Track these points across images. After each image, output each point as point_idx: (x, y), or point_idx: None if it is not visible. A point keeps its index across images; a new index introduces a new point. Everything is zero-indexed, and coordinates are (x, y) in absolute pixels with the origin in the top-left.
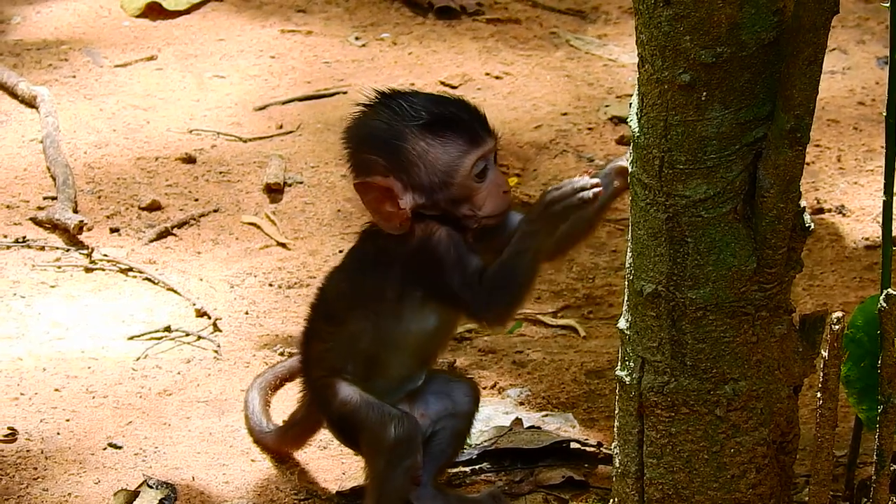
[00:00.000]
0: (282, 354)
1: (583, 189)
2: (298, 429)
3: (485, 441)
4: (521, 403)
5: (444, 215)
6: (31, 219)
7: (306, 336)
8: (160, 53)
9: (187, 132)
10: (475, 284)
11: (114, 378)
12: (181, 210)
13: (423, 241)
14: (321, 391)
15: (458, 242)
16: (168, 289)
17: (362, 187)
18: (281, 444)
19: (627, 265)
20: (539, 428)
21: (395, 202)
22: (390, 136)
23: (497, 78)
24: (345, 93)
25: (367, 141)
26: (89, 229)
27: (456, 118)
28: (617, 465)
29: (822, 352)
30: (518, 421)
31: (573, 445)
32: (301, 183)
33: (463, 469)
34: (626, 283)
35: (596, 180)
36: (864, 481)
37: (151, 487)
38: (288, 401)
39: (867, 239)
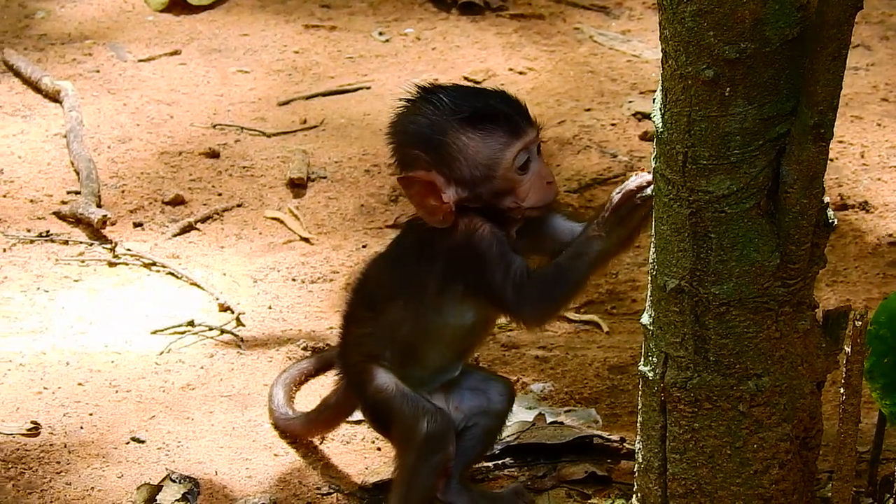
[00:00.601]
0: (305, 349)
1: (641, 187)
2: (331, 412)
3: (508, 436)
4: (544, 399)
5: (487, 208)
6: (54, 213)
7: (346, 320)
8: (184, 48)
9: (211, 127)
10: (516, 282)
11: (137, 372)
12: (205, 205)
13: (467, 237)
14: (357, 376)
15: (501, 239)
16: (191, 283)
17: (406, 181)
18: (310, 427)
19: (650, 260)
20: (562, 423)
21: (438, 196)
22: (431, 131)
23: (520, 73)
24: (368, 88)
25: (409, 136)
26: (113, 224)
27: (496, 111)
28: (640, 460)
29: (846, 348)
30: (541, 416)
31: (596, 441)
32: (324, 178)
33: (486, 464)
34: (650, 278)
35: (648, 175)
36: (887, 477)
37: (174, 482)
38: (311, 396)
39: (891, 235)
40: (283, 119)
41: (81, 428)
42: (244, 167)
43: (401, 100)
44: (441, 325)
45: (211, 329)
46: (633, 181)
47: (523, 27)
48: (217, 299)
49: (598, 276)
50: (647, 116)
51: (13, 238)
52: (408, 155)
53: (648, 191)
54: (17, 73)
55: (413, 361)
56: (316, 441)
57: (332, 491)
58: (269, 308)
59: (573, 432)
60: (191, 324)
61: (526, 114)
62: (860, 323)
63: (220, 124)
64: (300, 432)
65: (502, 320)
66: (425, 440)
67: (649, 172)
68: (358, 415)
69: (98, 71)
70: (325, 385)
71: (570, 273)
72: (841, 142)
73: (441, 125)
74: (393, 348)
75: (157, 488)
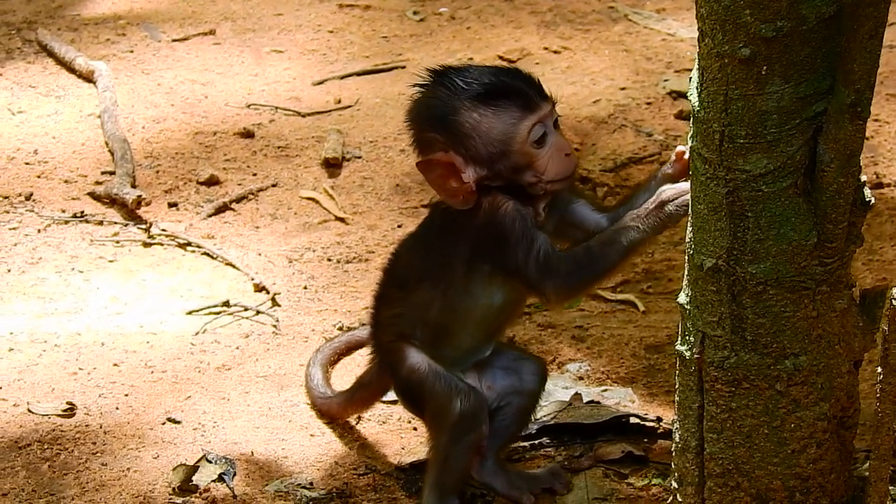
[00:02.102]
0: (340, 329)
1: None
2: (365, 391)
3: (544, 416)
4: (581, 378)
5: (509, 185)
6: (89, 193)
7: (377, 300)
8: (218, 28)
9: (245, 107)
10: (539, 259)
11: (172, 353)
12: (239, 185)
13: (490, 215)
14: (390, 355)
15: (524, 216)
16: (226, 263)
17: (425, 165)
18: (347, 407)
19: (687, 240)
20: (598, 403)
21: (458, 177)
22: (445, 112)
23: (555, 52)
24: (403, 67)
25: (424, 120)
26: (147, 204)
27: (508, 86)
28: (677, 440)
29: (883, 326)
30: (577, 396)
31: (633, 420)
32: (359, 157)
33: (523, 444)
34: (686, 257)
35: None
36: None
37: (210, 462)
38: (346, 375)
39: None
40: (317, 99)
41: (117, 409)
42: (279, 147)
43: (414, 85)
44: (470, 305)
45: (246, 309)
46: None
47: (558, 6)
48: (252, 279)
49: (627, 265)
50: (682, 95)
51: (48, 219)
52: (425, 139)
53: None
54: (51, 54)
55: (443, 341)
56: (352, 421)
57: (368, 471)
58: (305, 288)
59: (610, 412)
60: (226, 304)
61: (539, 88)
62: None
63: (255, 104)
64: (338, 411)
65: (534, 300)
66: (459, 419)
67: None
68: (392, 395)
69: (132, 51)
70: (356, 363)
71: (600, 258)
72: (877, 120)
73: (454, 105)
74: (423, 329)
75: (194, 469)
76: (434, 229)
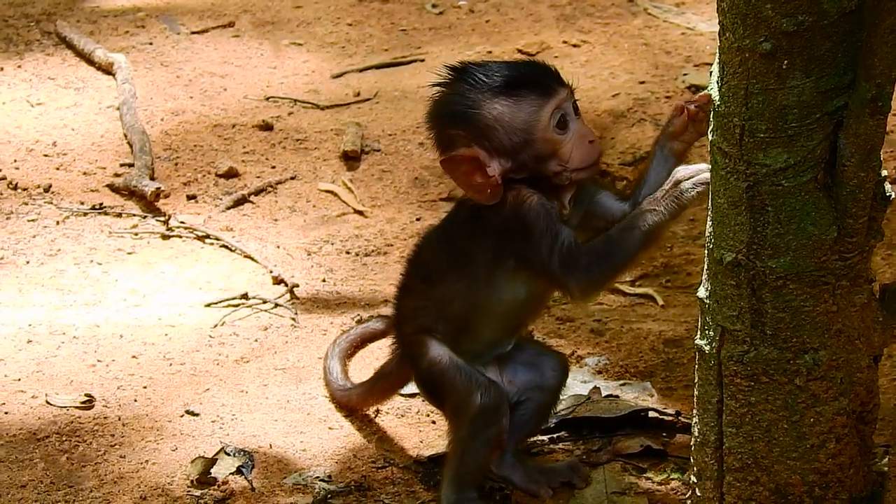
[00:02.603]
0: (359, 322)
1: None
2: (385, 382)
3: (563, 410)
4: (599, 372)
5: (534, 177)
6: (107, 186)
7: (401, 292)
8: (237, 20)
9: (264, 99)
10: (563, 253)
11: (191, 345)
12: (258, 177)
13: (515, 209)
14: (412, 348)
15: (549, 211)
16: (245, 256)
17: (449, 163)
18: (367, 398)
19: (707, 234)
20: (617, 397)
21: (483, 171)
22: (466, 107)
23: (575, 46)
24: (422, 60)
25: (445, 117)
26: (166, 196)
27: (525, 76)
28: (696, 434)
29: None
30: (596, 390)
31: (651, 414)
32: (378, 150)
33: (541, 438)
34: (706, 251)
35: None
36: None
37: (229, 455)
38: (364, 368)
39: None
40: (336, 91)
41: (135, 401)
42: (297, 140)
43: (432, 84)
44: (493, 300)
45: (265, 302)
46: (705, 168)
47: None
48: (271, 272)
49: (650, 251)
50: (701, 89)
51: (67, 211)
52: (447, 136)
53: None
54: (70, 46)
55: (466, 335)
56: (371, 414)
57: (387, 464)
58: (323, 281)
59: (628, 406)
60: (245, 297)
61: (556, 75)
62: None
63: (274, 97)
64: (357, 403)
65: (557, 294)
66: (479, 412)
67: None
68: (412, 388)
69: (151, 43)
70: (373, 356)
71: (620, 245)
72: None
73: (474, 100)
74: (446, 322)
75: (212, 461)
76: (459, 223)
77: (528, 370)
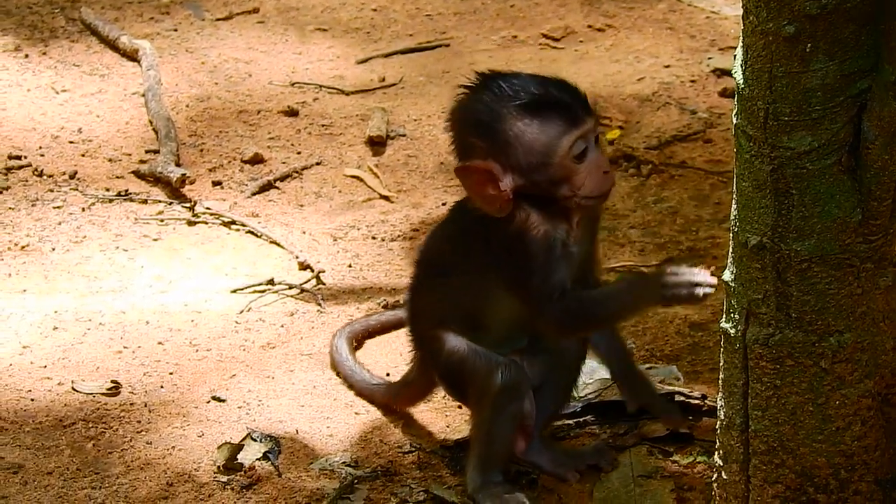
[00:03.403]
0: (385, 307)
1: (698, 285)
2: (409, 391)
3: (589, 394)
4: None
5: (544, 197)
6: (133, 172)
7: (412, 292)
8: (262, 6)
9: (289, 85)
10: (549, 293)
11: (217, 331)
12: (284, 163)
13: (521, 233)
14: (430, 343)
15: (552, 245)
16: (271, 242)
17: (463, 171)
18: (392, 402)
19: (732, 217)
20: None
21: (495, 185)
22: (489, 119)
23: (599, 30)
24: (447, 45)
25: (466, 124)
26: (191, 182)
27: (554, 98)
28: (721, 417)
29: None
30: None
31: (677, 398)
32: (404, 136)
33: (567, 422)
34: (731, 234)
35: (713, 280)
36: None
37: (255, 440)
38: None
39: None
40: (361, 77)
41: (162, 387)
42: (323, 125)
43: (460, 86)
44: (498, 304)
45: (291, 287)
46: (690, 274)
47: None
48: (297, 258)
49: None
50: (726, 73)
51: (92, 197)
52: (465, 144)
53: (701, 292)
54: (95, 33)
55: (479, 332)
56: None
57: (413, 449)
58: (349, 266)
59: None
60: (271, 282)
61: (585, 103)
62: None
63: (299, 82)
64: (381, 401)
65: None
66: (501, 391)
67: (713, 275)
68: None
69: (176, 29)
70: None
71: (600, 310)
72: None
73: (498, 112)
74: (460, 318)
75: (238, 447)
76: (462, 225)
77: (547, 352)
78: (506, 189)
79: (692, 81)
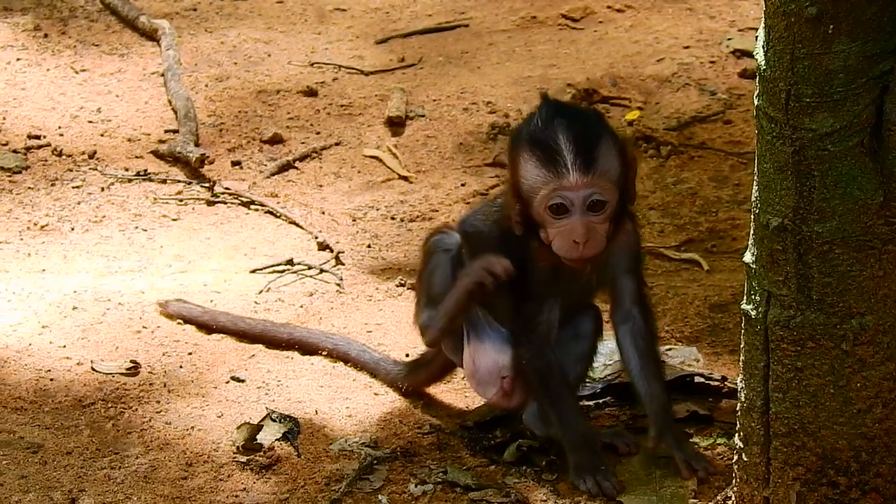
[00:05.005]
0: (403, 287)
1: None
2: (427, 371)
3: (609, 375)
4: None
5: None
6: (152, 152)
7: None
8: None
9: (308, 65)
10: (531, 326)
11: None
12: (303, 143)
13: (532, 261)
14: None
15: (553, 290)
16: (290, 222)
17: (504, 177)
18: (411, 384)
19: (753, 199)
20: (663, 362)
21: (512, 200)
22: (517, 141)
23: (619, 11)
24: (466, 26)
25: (511, 139)
26: (211, 162)
27: (554, 143)
28: (742, 399)
29: None
30: None
31: (697, 380)
32: (423, 116)
33: (587, 403)
34: (752, 216)
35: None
36: None
37: (274, 421)
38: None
39: None
40: (380, 57)
41: (181, 367)
42: (342, 105)
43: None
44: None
45: (310, 268)
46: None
47: None
48: (316, 238)
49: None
50: (745, 54)
51: (111, 177)
52: (508, 154)
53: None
54: (115, 12)
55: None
56: None
57: (432, 430)
58: (368, 247)
59: (674, 371)
60: (290, 263)
61: (584, 162)
62: None
63: (318, 62)
64: (402, 385)
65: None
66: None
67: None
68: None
69: (195, 9)
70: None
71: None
72: None
73: (522, 138)
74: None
75: (258, 427)
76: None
77: (563, 326)
78: (514, 210)
79: (711, 62)
